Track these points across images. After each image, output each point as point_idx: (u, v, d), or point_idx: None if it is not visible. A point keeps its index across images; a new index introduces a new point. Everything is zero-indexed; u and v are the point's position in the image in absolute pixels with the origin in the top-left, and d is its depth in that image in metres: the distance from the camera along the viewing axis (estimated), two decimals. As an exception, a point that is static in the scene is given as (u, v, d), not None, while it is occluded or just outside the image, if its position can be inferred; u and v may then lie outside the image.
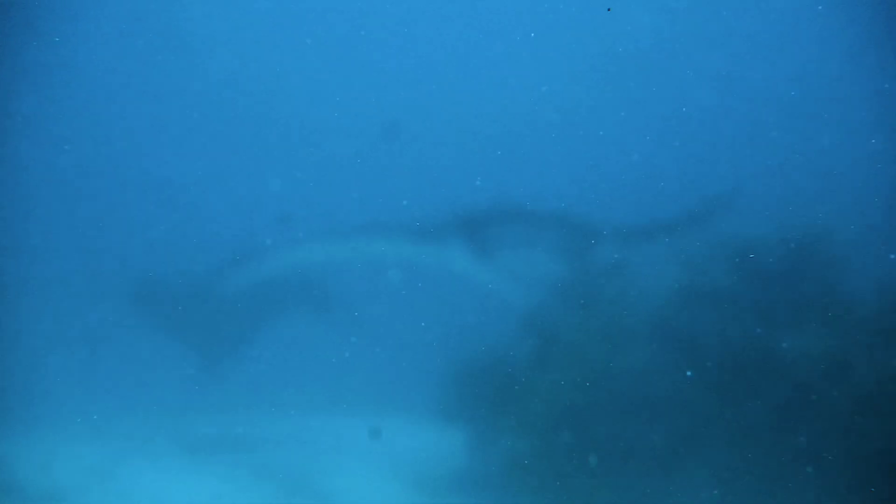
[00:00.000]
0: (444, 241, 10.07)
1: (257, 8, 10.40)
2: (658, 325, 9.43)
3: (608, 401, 9.35)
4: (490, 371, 9.72)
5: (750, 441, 9.02)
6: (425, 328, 9.99)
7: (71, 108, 10.30)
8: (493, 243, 10.07)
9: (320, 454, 9.79)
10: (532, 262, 9.97)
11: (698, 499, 8.94)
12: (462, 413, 9.68)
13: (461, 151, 10.28)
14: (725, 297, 9.43)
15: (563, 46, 10.20)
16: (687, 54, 10.06)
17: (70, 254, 10.28)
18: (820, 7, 9.78)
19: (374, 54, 10.42)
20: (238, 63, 10.43)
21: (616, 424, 9.31)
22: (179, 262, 10.29)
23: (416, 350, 9.96)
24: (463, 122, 10.31)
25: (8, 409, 9.92)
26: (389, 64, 10.40)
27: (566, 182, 10.13)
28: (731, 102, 10.04)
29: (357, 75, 10.40)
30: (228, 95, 10.40)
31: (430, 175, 10.23)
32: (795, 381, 9.02)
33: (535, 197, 10.09)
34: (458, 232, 10.08)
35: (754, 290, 9.43)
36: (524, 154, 10.23)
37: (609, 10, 9.43)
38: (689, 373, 9.10)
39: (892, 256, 9.37)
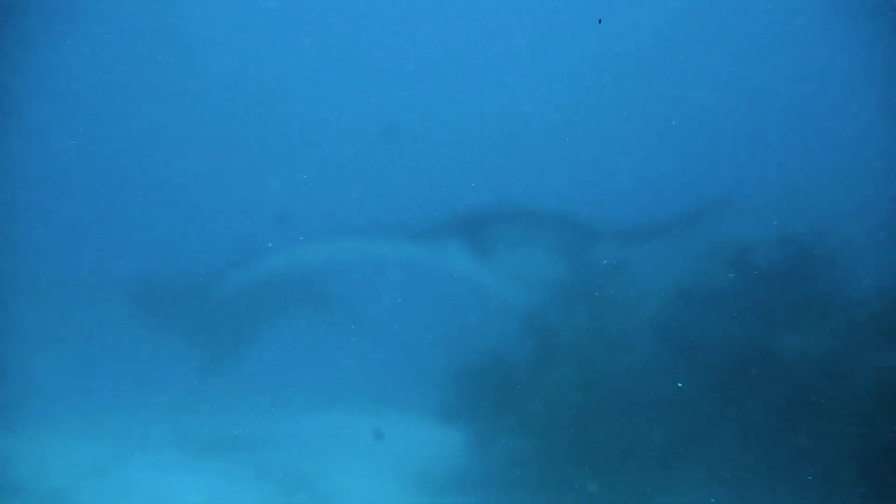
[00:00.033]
0: (444, 241, 10.07)
1: (258, 9, 10.41)
2: (658, 326, 9.43)
3: (608, 401, 9.35)
4: (490, 371, 9.72)
5: (749, 441, 9.02)
6: (425, 328, 9.99)
7: (72, 108, 10.31)
8: (493, 243, 10.07)
9: (320, 453, 9.79)
10: (532, 263, 9.98)
11: (698, 498, 8.94)
12: (462, 413, 9.68)
13: (461, 152, 10.29)
14: (725, 297, 9.43)
15: (563, 47, 10.21)
16: (686, 55, 10.07)
17: (71, 253, 10.28)
18: (820, 8, 9.79)
19: (375, 55, 10.43)
20: (239, 64, 10.44)
21: (616, 424, 9.31)
22: (180, 262, 10.29)
23: (416, 350, 9.96)
24: (463, 123, 10.32)
25: (8, 408, 9.92)
26: (389, 65, 10.41)
27: (566, 182, 10.14)
28: (730, 103, 10.05)
29: (357, 76, 10.41)
30: (229, 96, 10.42)
31: (431, 175, 10.24)
32: (795, 382, 9.02)
33: (535, 197, 10.10)
34: (459, 232, 10.09)
35: (754, 291, 9.43)
36: (524, 154, 10.24)
37: (600, 21, 9.47)
38: (679, 384, 9.09)
39: (892, 256, 9.38)
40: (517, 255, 10.04)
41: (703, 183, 9.86)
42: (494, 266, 10.01)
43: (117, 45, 10.30)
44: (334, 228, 10.18)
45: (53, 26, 10.07)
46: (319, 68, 10.44)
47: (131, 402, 10.03)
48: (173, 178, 10.45)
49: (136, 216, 10.37)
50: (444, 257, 10.06)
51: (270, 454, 9.83)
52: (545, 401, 9.45)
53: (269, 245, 10.18)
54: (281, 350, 10.26)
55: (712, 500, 8.90)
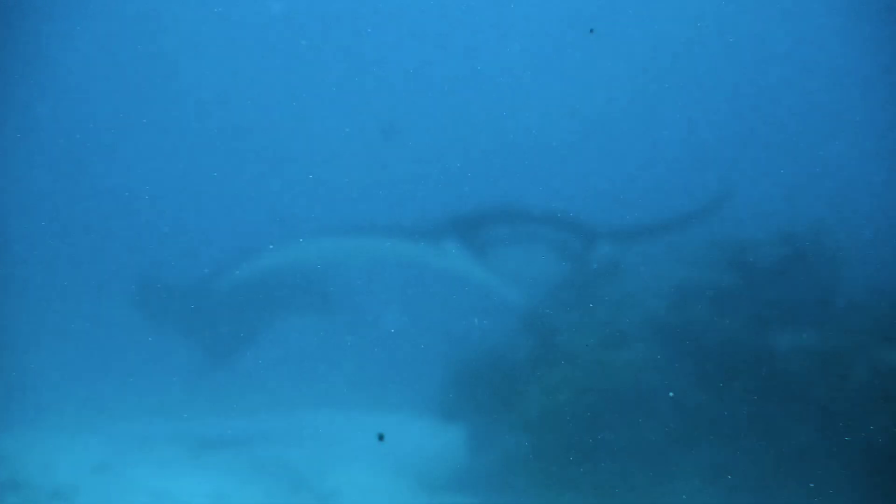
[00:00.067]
0: (444, 241, 10.10)
1: (259, 10, 10.47)
2: (657, 325, 9.42)
3: (607, 400, 9.34)
4: (490, 371, 9.72)
5: (749, 440, 9.01)
6: (425, 328, 10.02)
7: (72, 109, 10.38)
8: (493, 243, 10.09)
9: (321, 452, 9.82)
10: (531, 262, 9.99)
11: (697, 498, 8.93)
12: (461, 412, 9.69)
13: (461, 152, 10.33)
14: (724, 296, 9.42)
15: (563, 49, 10.25)
16: (686, 57, 10.10)
17: (71, 254, 10.35)
18: (819, 10, 9.80)
19: (375, 56, 10.49)
20: (239, 64, 10.50)
21: (615, 424, 9.31)
22: (181, 262, 10.35)
23: (416, 350, 9.99)
24: (463, 124, 10.36)
25: (10, 407, 9.99)
26: (390, 66, 10.47)
27: (566, 182, 10.16)
28: (730, 104, 10.06)
29: (357, 77, 10.46)
30: (229, 97, 10.48)
31: (431, 176, 10.28)
32: (794, 381, 9.00)
33: (535, 197, 10.12)
34: (459, 232, 10.11)
35: (753, 290, 9.42)
36: (524, 155, 10.27)
37: (592, 31, 9.51)
38: (671, 393, 9.08)
39: (892, 256, 9.37)
40: (517, 254, 10.06)
41: (702, 183, 9.87)
42: (494, 266, 10.03)
43: (118, 46, 10.37)
44: (334, 228, 10.22)
45: (55, 28, 10.15)
46: (320, 69, 10.50)
47: (132, 401, 10.09)
48: (174, 178, 10.51)
49: (137, 216, 10.44)
50: (444, 257, 10.08)
51: (271, 452, 9.87)
52: (544, 400, 9.45)
53: (270, 246, 10.23)
54: (281, 350, 10.30)
55: (712, 500, 8.89)
